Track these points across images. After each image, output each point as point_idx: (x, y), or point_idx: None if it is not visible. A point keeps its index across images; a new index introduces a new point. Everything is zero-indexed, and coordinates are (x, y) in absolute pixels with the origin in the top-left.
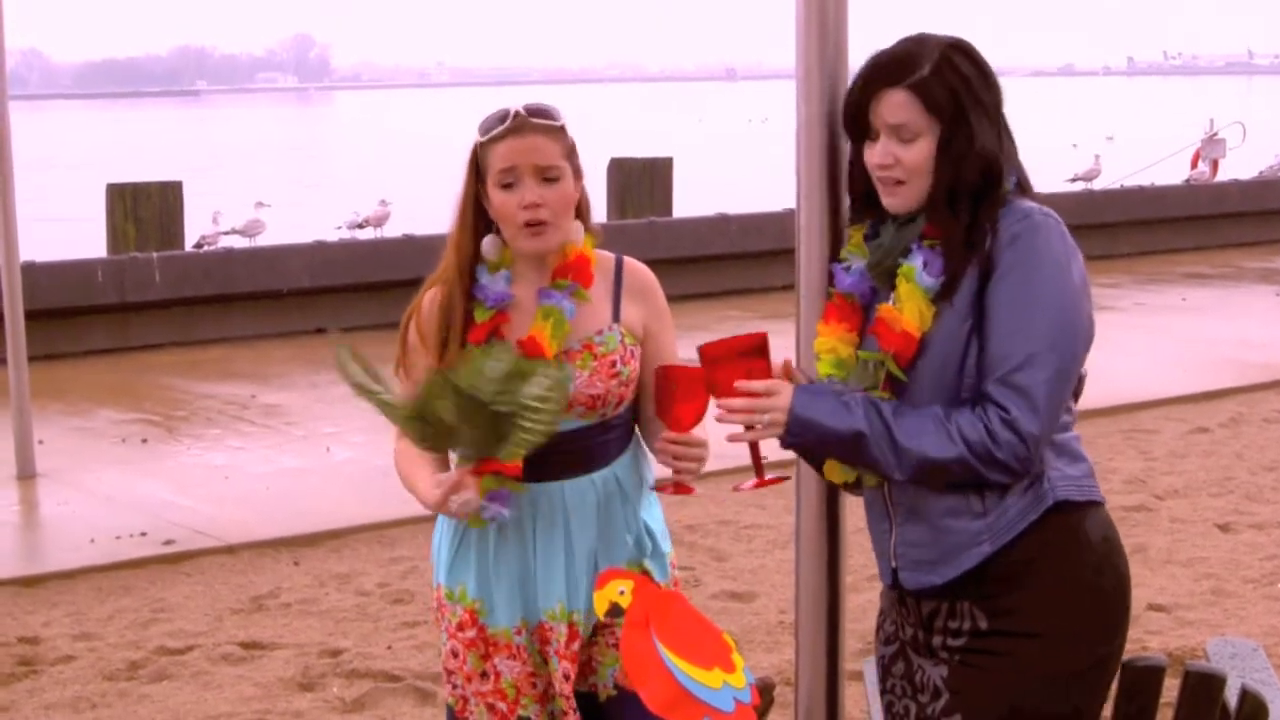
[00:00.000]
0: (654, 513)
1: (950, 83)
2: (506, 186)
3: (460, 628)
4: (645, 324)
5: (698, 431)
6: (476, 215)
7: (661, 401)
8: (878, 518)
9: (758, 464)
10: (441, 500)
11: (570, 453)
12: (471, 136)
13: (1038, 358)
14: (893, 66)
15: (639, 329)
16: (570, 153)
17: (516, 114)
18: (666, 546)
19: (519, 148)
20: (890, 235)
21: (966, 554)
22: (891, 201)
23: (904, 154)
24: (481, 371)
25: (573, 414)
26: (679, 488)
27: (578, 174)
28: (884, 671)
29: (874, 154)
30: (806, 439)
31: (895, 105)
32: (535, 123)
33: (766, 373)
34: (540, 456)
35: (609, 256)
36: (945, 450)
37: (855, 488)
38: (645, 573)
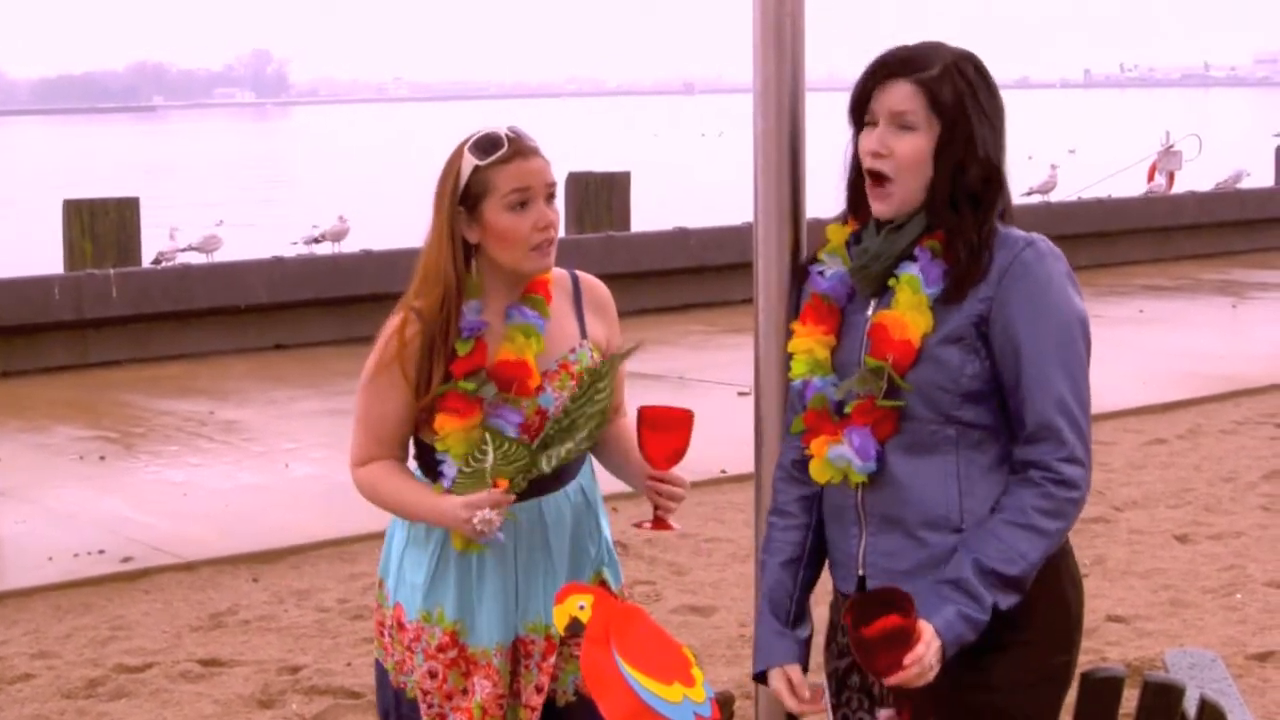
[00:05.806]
0: (605, 522)
1: (957, 86)
2: (518, 207)
3: (441, 649)
4: (608, 339)
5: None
6: (459, 244)
7: (645, 441)
8: (845, 524)
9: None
10: (469, 518)
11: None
12: (439, 159)
13: (1071, 388)
14: (903, 60)
15: (604, 344)
16: None
17: (512, 138)
18: (614, 554)
19: (531, 169)
20: (877, 241)
21: (942, 567)
22: (879, 207)
23: (898, 144)
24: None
25: None
26: (659, 524)
27: None
28: (839, 684)
29: (869, 140)
30: (963, 644)
31: (900, 95)
32: (532, 145)
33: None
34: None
35: (563, 273)
36: (1039, 544)
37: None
38: (603, 582)
